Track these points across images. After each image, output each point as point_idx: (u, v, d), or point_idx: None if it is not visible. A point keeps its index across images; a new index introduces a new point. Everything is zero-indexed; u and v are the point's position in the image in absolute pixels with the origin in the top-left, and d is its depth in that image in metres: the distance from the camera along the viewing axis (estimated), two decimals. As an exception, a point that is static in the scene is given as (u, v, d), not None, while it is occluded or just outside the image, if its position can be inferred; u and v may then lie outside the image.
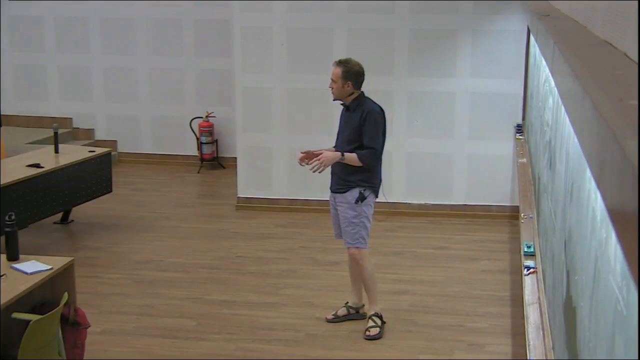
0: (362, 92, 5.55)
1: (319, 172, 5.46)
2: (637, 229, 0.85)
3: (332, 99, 5.64)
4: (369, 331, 5.56)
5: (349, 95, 5.51)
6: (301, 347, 5.42)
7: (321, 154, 5.44)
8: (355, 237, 5.50)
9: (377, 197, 5.57)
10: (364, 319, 5.73)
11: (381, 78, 8.20)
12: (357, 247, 5.52)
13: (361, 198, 5.44)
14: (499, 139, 8.19)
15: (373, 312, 5.63)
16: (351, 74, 5.45)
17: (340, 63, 5.50)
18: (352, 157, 5.39)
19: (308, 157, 5.51)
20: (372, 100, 5.57)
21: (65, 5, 10.63)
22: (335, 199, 5.57)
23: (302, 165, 5.61)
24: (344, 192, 5.49)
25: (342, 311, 5.81)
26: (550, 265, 3.83)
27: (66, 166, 7.45)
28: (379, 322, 5.60)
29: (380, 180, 5.57)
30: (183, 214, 8.61)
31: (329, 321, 5.76)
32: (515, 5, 7.79)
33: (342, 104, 5.67)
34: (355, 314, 5.80)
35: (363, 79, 5.54)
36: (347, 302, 5.85)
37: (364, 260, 5.55)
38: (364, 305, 5.81)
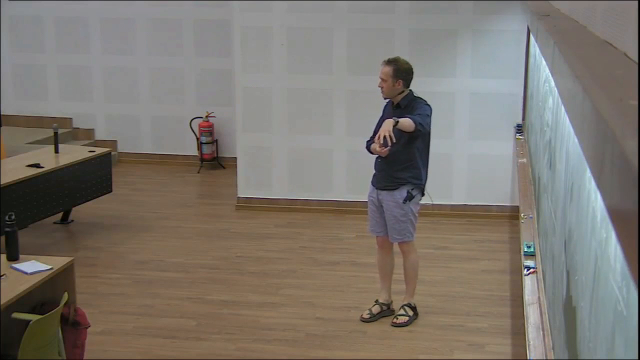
0: (411, 90, 5.61)
1: (389, 145, 5.36)
2: (637, 229, 0.85)
3: (383, 97, 5.66)
4: (397, 319, 5.72)
5: (399, 94, 5.56)
6: (301, 347, 5.42)
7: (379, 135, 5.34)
8: (403, 232, 5.65)
9: (423, 195, 5.72)
10: (393, 314, 5.83)
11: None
12: (406, 242, 5.70)
13: (409, 197, 5.58)
14: (499, 139, 8.19)
15: (406, 302, 5.78)
16: (401, 72, 5.51)
17: (390, 62, 5.54)
18: (405, 121, 5.34)
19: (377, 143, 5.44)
20: (424, 100, 5.64)
21: (65, 5, 10.63)
22: (379, 195, 5.64)
23: (382, 150, 5.48)
24: (393, 189, 5.58)
25: (376, 309, 5.85)
26: (550, 265, 3.83)
27: (66, 166, 7.45)
28: (410, 312, 5.75)
29: (426, 178, 5.72)
30: (183, 214, 8.61)
31: (364, 320, 5.79)
32: (515, 5, 7.79)
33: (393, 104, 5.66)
34: (387, 310, 5.88)
35: (412, 77, 5.60)
36: (378, 300, 5.89)
37: (410, 252, 5.76)
38: (392, 302, 5.91)
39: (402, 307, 5.77)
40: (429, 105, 5.62)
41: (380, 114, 5.77)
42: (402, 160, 5.55)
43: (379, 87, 5.57)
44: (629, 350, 1.47)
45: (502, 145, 8.20)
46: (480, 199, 8.30)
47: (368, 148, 5.68)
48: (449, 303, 6.16)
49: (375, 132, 5.55)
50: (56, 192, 7.30)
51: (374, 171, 5.74)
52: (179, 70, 10.54)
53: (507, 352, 5.37)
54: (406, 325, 5.69)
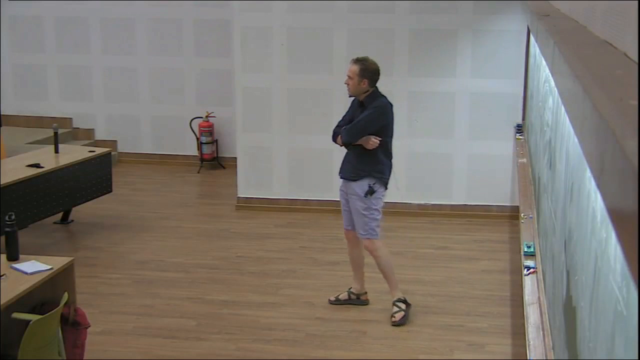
0: (375, 89, 5.71)
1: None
2: (637, 229, 0.85)
3: (349, 95, 5.79)
4: (394, 317, 5.76)
5: (364, 93, 5.66)
6: (301, 347, 5.42)
7: None
8: (366, 228, 5.71)
9: (386, 189, 5.77)
10: (364, 304, 5.98)
11: (381, 78, 8.15)
12: (369, 239, 5.73)
13: (370, 192, 5.64)
14: (499, 139, 8.19)
15: (396, 298, 5.83)
16: (368, 72, 5.64)
17: (357, 61, 5.67)
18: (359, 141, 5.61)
19: None
20: (384, 97, 5.73)
21: (65, 5, 10.63)
22: (346, 187, 5.77)
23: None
24: (354, 180, 5.69)
25: (343, 295, 6.04)
26: (550, 265, 3.83)
27: (66, 166, 7.45)
28: (403, 306, 5.80)
29: (389, 173, 5.77)
30: (183, 214, 8.61)
31: (331, 303, 6.02)
32: (515, 5, 7.79)
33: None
34: (356, 300, 6.03)
35: (378, 77, 5.71)
36: (350, 288, 6.06)
37: (377, 251, 5.79)
38: (366, 293, 6.03)
39: (394, 303, 5.83)
40: (382, 106, 5.67)
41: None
42: (364, 153, 5.64)
43: (345, 84, 5.71)
44: (629, 350, 1.47)
45: (502, 145, 8.20)
46: (480, 199, 8.30)
47: (334, 137, 5.79)
48: (449, 303, 6.16)
49: (344, 122, 5.75)
50: (56, 192, 7.30)
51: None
52: (179, 70, 10.54)
53: (507, 352, 5.37)
54: (404, 319, 5.73)
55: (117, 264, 7.03)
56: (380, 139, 5.58)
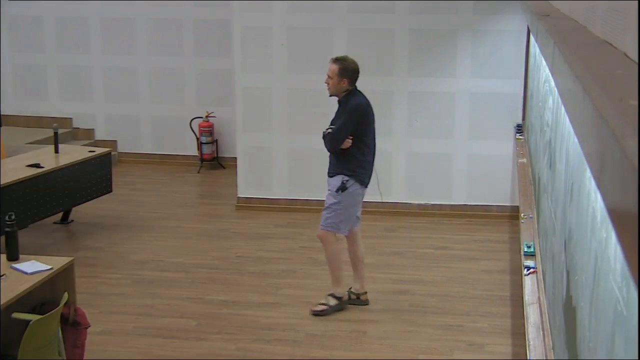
0: (355, 87, 5.76)
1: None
2: (637, 229, 0.85)
3: (329, 94, 5.86)
4: (316, 306, 5.88)
5: (344, 92, 5.71)
6: (301, 347, 5.42)
7: None
8: (328, 221, 5.79)
9: (365, 187, 5.83)
10: (365, 304, 6.00)
11: (381, 78, 8.20)
12: (326, 230, 5.82)
13: (342, 188, 5.71)
14: (499, 139, 8.19)
15: (330, 292, 5.92)
16: (348, 71, 5.67)
17: (337, 60, 5.72)
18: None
19: None
20: (362, 95, 5.78)
21: (65, 5, 10.63)
22: (327, 182, 5.88)
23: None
24: (331, 176, 5.79)
25: (344, 296, 6.00)
26: (550, 265, 3.83)
27: (66, 166, 7.45)
28: (331, 302, 5.88)
29: (370, 172, 5.83)
30: (183, 214, 8.61)
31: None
32: (515, 5, 7.79)
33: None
34: (356, 300, 6.03)
35: (358, 76, 5.75)
36: (350, 288, 6.06)
37: (326, 244, 5.88)
38: (366, 293, 6.05)
39: (327, 295, 5.93)
40: (364, 103, 5.74)
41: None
42: (340, 150, 5.72)
43: (325, 83, 5.76)
44: (629, 350, 1.47)
45: (502, 145, 8.20)
46: (480, 199, 8.30)
47: (324, 138, 5.84)
48: (449, 303, 6.16)
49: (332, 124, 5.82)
50: (56, 192, 7.30)
51: None
52: (179, 70, 10.54)
53: (507, 352, 5.37)
54: (324, 314, 5.83)
55: (117, 264, 7.03)
56: (351, 137, 5.67)
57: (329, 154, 5.81)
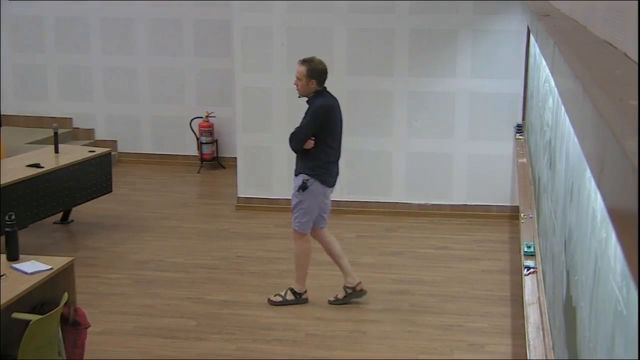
0: (324, 88, 5.86)
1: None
2: (637, 229, 0.85)
3: (298, 95, 5.96)
4: (274, 296, 6.06)
5: (313, 93, 5.83)
6: (301, 347, 5.42)
7: None
8: (296, 221, 5.95)
9: (329, 187, 5.94)
10: (364, 295, 6.07)
11: (381, 78, 8.20)
12: (295, 230, 5.97)
13: (303, 187, 5.82)
14: (499, 139, 8.19)
15: (291, 287, 6.06)
16: (315, 72, 5.77)
17: (304, 62, 5.82)
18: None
19: None
20: (330, 95, 5.88)
21: (65, 5, 10.63)
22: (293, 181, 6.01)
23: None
24: (295, 175, 5.93)
25: (341, 294, 6.11)
26: (550, 265, 3.83)
27: (66, 166, 7.45)
28: (289, 297, 6.03)
29: (334, 174, 5.93)
30: (183, 214, 8.61)
31: (330, 303, 6.08)
32: (515, 5, 7.79)
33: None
34: (353, 293, 6.09)
35: (326, 77, 5.85)
36: (344, 285, 6.12)
37: (296, 242, 6.00)
38: (360, 282, 6.10)
39: (287, 289, 6.07)
40: (328, 104, 5.82)
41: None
42: (304, 150, 5.82)
43: (294, 84, 5.86)
44: (629, 350, 1.47)
45: (502, 145, 8.20)
46: (480, 199, 8.30)
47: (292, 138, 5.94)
48: (449, 303, 6.16)
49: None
50: (56, 192, 7.30)
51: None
52: (179, 70, 10.54)
53: (507, 352, 5.37)
54: (278, 305, 5.99)
55: (117, 264, 7.02)
56: (313, 138, 5.76)
57: (298, 154, 5.89)
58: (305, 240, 5.99)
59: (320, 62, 5.80)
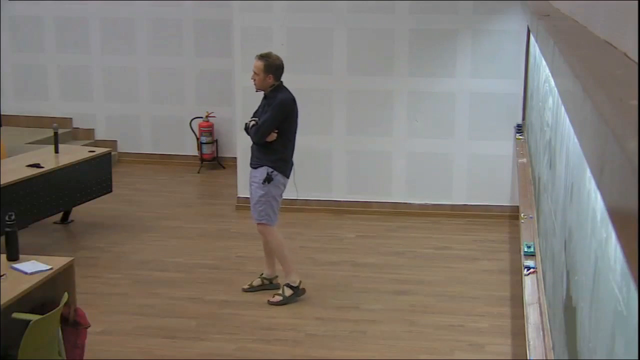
0: (281, 82, 6.01)
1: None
2: (637, 229, 0.85)
3: (255, 90, 6.08)
4: (273, 297, 6.09)
5: (270, 87, 5.95)
6: (301, 347, 5.42)
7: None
8: (262, 214, 6.01)
9: (287, 177, 6.06)
10: (277, 288, 6.18)
11: (381, 78, 8.20)
12: (263, 224, 6.03)
13: (268, 179, 5.93)
14: (499, 139, 8.19)
15: (286, 282, 6.11)
16: (272, 67, 5.94)
17: (261, 57, 5.98)
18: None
19: None
20: (288, 90, 6.03)
21: (65, 5, 10.63)
22: (251, 176, 6.07)
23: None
24: (256, 168, 6.01)
25: (257, 282, 6.31)
26: (550, 265, 3.83)
27: (66, 166, 7.45)
28: (288, 292, 6.07)
29: (291, 165, 6.09)
30: (183, 214, 8.61)
31: (245, 290, 6.27)
32: (515, 5, 7.79)
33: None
34: (269, 284, 6.28)
35: (283, 71, 6.00)
36: (262, 274, 6.32)
37: (269, 235, 6.10)
38: (277, 277, 6.28)
39: (283, 286, 6.11)
40: (291, 99, 5.98)
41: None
42: (265, 143, 5.93)
43: (252, 79, 5.98)
44: (629, 350, 1.47)
45: (502, 145, 8.20)
46: (480, 199, 8.30)
47: (246, 129, 6.05)
48: (449, 303, 6.16)
49: (256, 115, 6.05)
50: (56, 192, 7.30)
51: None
52: (179, 70, 10.54)
53: (507, 352, 5.37)
54: (280, 304, 6.01)
55: (117, 264, 7.02)
56: (277, 131, 5.90)
57: (258, 147, 5.98)
58: (273, 231, 6.09)
59: (277, 58, 5.98)
